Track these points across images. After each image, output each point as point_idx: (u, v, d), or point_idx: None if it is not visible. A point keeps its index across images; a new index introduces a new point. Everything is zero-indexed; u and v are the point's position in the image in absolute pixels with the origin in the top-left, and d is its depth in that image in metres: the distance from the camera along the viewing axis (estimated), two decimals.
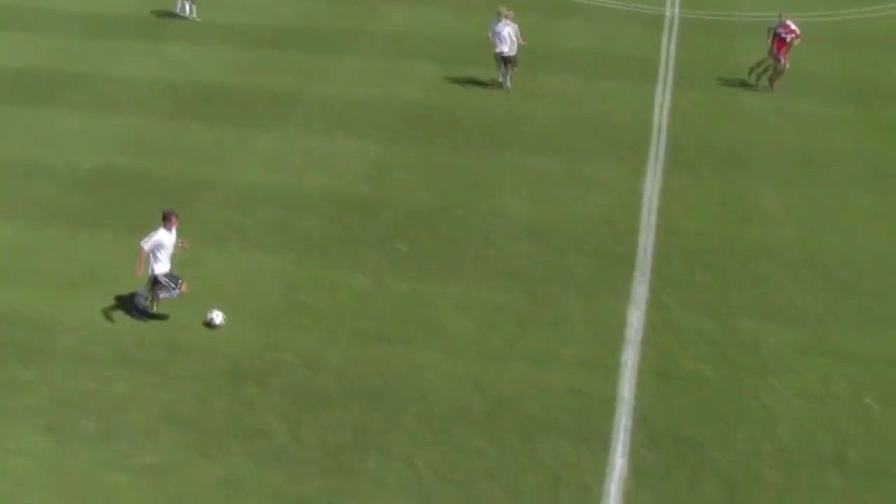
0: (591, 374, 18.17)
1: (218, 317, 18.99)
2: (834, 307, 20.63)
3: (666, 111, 30.13)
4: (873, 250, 22.87)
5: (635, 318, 19.79)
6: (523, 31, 30.91)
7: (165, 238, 18.62)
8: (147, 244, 18.47)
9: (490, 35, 30.75)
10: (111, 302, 19.68)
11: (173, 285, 18.83)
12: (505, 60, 30.95)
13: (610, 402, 17.47)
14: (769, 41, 31.46)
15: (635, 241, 22.64)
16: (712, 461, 16.28)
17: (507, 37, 30.51)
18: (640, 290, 20.80)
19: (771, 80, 32.00)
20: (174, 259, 19.05)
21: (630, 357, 18.68)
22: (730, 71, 33.22)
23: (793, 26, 31.06)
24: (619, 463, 16.07)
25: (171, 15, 37.58)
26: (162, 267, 18.75)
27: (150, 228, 18.71)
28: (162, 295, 19.06)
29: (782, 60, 31.40)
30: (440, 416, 16.98)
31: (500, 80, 31.49)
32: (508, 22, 30.56)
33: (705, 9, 39.84)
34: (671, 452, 16.39)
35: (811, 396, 18.00)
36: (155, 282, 18.84)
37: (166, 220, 18.71)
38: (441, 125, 28.74)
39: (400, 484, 15.46)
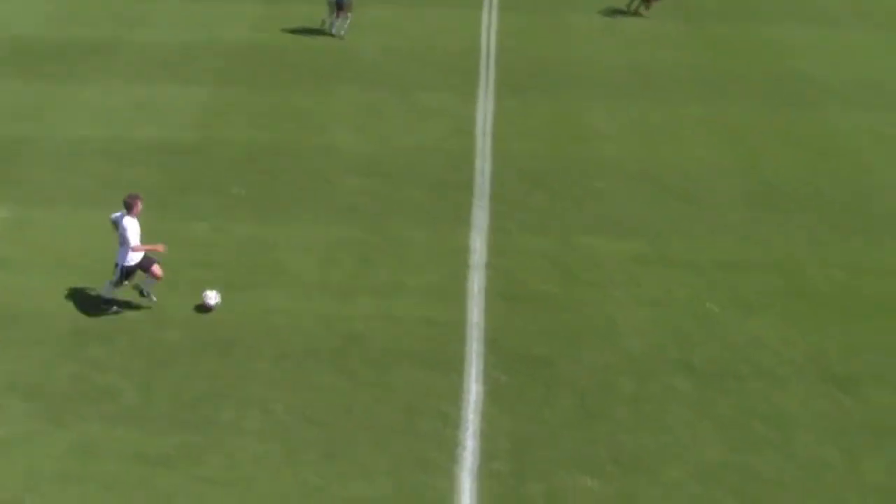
0: (438, 302, 18.34)
1: (212, 298, 17.96)
2: (670, 217, 21.22)
3: (493, 35, 30.27)
4: (705, 161, 23.56)
5: (478, 244, 20.00)
6: None
7: (137, 226, 17.15)
8: (137, 238, 17.02)
9: None
10: None
11: (124, 281, 17.54)
12: (339, 5, 29.65)
13: (460, 327, 17.68)
14: None
15: (472, 167, 22.82)
16: (564, 377, 16.66)
17: None
18: (480, 215, 21.00)
19: (646, 4, 32.15)
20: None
21: (476, 282, 18.91)
22: None
23: None
24: (474, 387, 16.30)
25: None
26: (133, 258, 17.32)
27: None
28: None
29: None
30: (293, 357, 16.93)
31: (325, 20, 30.37)
32: None
33: None
34: (524, 372, 16.70)
35: (654, 305, 18.54)
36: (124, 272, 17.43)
37: (131, 208, 17.09)
38: (269, 65, 28.30)
39: (259, 430, 15.38)
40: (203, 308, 18.01)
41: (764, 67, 28.96)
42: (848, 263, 20.09)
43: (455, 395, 16.14)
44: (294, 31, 30.60)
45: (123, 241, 17.18)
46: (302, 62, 28.43)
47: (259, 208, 21.23)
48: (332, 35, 30.04)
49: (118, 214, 17.35)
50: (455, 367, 16.73)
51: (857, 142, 25.01)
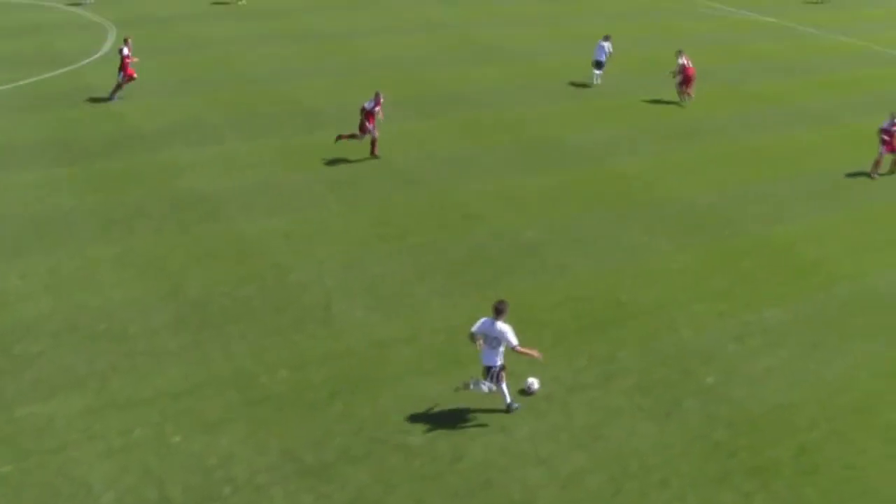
0: None
1: (534, 384, 20.14)
2: (109, 362, 20.86)
3: None
4: (128, 297, 23.43)
5: None
6: None
7: None
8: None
9: None
10: None
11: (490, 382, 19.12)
12: None
13: None
14: (363, 117, 32.70)
15: None
16: None
17: None
18: None
19: (372, 149, 33.38)
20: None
21: None
22: None
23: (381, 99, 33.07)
24: None
25: None
26: (502, 359, 19.04)
27: None
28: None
29: (370, 128, 32.84)
30: None
31: None
32: None
33: None
34: None
35: (119, 453, 18.13)
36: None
37: (502, 313, 18.70)
38: None
39: None
40: (527, 392, 20.08)
41: (163, 193, 29.51)
42: (291, 360, 20.92)
43: None
44: None
45: (497, 344, 18.72)
46: None
47: None
48: None
49: (486, 322, 18.79)
50: None
51: (267, 243, 26.21)
